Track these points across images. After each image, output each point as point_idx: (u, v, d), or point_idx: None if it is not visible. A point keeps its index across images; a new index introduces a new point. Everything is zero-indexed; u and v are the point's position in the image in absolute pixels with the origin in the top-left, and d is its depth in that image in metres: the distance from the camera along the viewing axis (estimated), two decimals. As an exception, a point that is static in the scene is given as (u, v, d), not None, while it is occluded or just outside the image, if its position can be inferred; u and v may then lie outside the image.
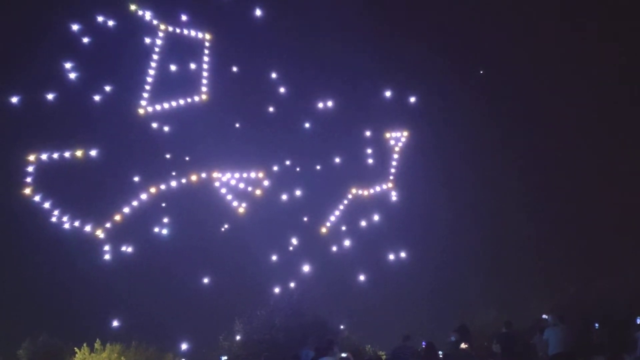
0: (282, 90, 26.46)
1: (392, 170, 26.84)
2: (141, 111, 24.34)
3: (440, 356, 15.87)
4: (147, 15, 25.09)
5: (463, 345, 14.58)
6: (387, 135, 27.04)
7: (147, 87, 24.59)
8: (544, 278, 24.95)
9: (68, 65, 23.61)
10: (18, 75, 23.58)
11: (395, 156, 26.98)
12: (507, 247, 26.45)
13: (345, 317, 23.43)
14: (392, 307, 24.56)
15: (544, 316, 18.22)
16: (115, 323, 22.26)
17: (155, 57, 24.95)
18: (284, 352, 18.67)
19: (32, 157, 22.55)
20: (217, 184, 25.08)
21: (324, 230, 25.60)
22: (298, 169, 26.27)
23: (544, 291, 24.26)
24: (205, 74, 25.87)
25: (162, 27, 25.28)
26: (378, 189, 26.63)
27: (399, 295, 25.11)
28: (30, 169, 22.43)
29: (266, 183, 25.53)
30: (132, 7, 24.73)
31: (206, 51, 25.99)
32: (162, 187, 24.22)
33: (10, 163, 22.89)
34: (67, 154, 23.06)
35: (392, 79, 27.37)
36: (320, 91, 26.75)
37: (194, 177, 24.65)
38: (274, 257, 24.79)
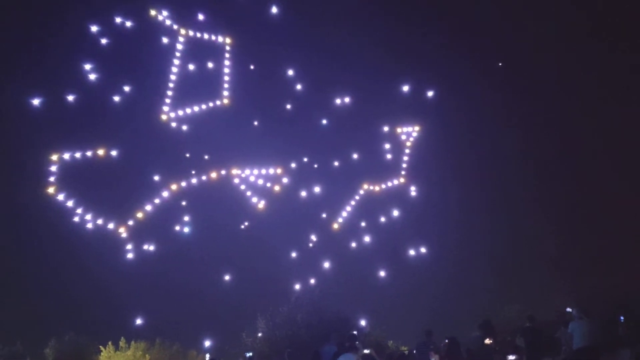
0: (298, 87, 26.50)
1: (404, 165, 26.71)
2: (164, 117, 24.56)
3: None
4: (167, 21, 25.33)
5: (487, 341, 14.50)
6: (399, 130, 26.91)
7: (169, 93, 24.82)
8: (568, 271, 24.68)
9: (91, 68, 23.93)
10: (42, 77, 23.97)
11: (407, 151, 26.85)
12: (529, 240, 26.22)
13: (366, 313, 23.42)
14: (413, 303, 24.49)
15: (568, 309, 18.05)
16: (138, 321, 22.50)
17: (176, 62, 25.15)
18: (306, 348, 18.68)
19: (54, 157, 22.87)
20: (236, 180, 25.22)
21: (335, 226, 25.58)
22: (316, 166, 26.28)
23: (567, 284, 23.99)
24: (226, 78, 26.00)
25: (183, 31, 25.45)
26: (390, 184, 26.54)
27: (420, 290, 25.01)
28: (53, 168, 22.74)
29: (285, 180, 25.58)
30: (152, 13, 24.91)
31: (227, 55, 26.09)
32: (183, 184, 24.43)
33: (34, 162, 23.27)
34: (89, 153, 23.35)
35: (406, 75, 27.30)
36: (335, 88, 26.77)
37: (213, 175, 24.82)
38: (294, 254, 24.87)
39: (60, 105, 23.46)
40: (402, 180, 26.52)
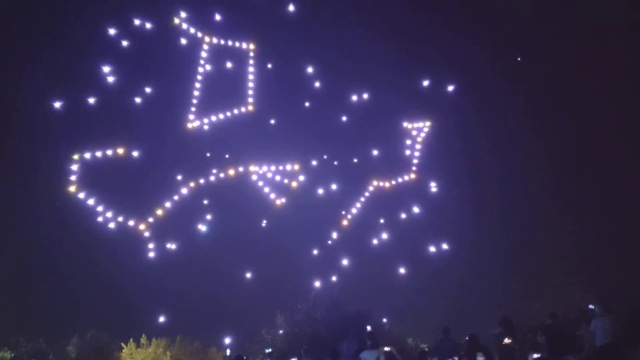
0: (317, 84, 26.48)
1: (415, 161, 26.50)
2: (190, 125, 24.73)
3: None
4: (192, 29, 25.60)
5: (507, 340, 14.36)
6: (409, 125, 26.72)
7: (194, 102, 25.00)
8: (589, 268, 24.38)
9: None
10: (65, 79, 24.48)
11: (418, 146, 26.63)
12: (550, 236, 25.93)
13: (385, 310, 23.37)
14: (432, 300, 24.39)
15: (591, 306, 17.82)
16: (161, 319, 22.69)
17: (200, 69, 25.34)
18: (325, 345, 18.73)
19: (76, 156, 23.13)
20: (254, 177, 25.28)
21: (345, 222, 25.50)
22: (336, 163, 26.23)
23: (589, 281, 23.68)
24: (251, 84, 26.07)
25: (207, 39, 25.61)
26: (400, 180, 26.35)
27: (438, 287, 24.89)
28: (74, 167, 22.99)
29: (301, 178, 25.55)
30: (176, 21, 25.10)
31: (251, 61, 26.17)
32: (201, 181, 24.57)
33: (57, 162, 23.62)
34: (109, 152, 23.59)
35: (421, 71, 27.17)
36: (348, 84, 26.74)
37: (231, 172, 24.92)
38: (312, 251, 24.87)
39: (83, 106, 23.76)
40: (412, 176, 26.30)
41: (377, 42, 26.68)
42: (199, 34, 25.64)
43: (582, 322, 15.83)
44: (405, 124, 26.73)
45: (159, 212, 23.58)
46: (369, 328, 18.91)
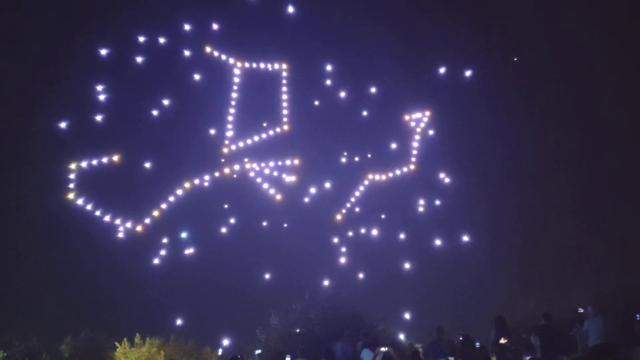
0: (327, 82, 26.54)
1: (414, 152, 26.43)
2: (225, 150, 24.88)
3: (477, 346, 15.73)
4: (223, 55, 25.94)
5: (502, 340, 14.44)
6: (407, 117, 26.64)
7: (229, 126, 25.26)
8: (585, 268, 24.43)
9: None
10: (66, 97, 24.72)
11: (417, 137, 26.55)
12: (546, 236, 25.94)
13: (380, 310, 23.37)
14: (427, 299, 24.38)
15: (580, 309, 17.94)
16: (178, 322, 22.97)
17: (234, 95, 25.67)
18: (320, 345, 18.72)
19: (73, 165, 23.46)
20: (252, 174, 25.29)
21: (338, 217, 25.47)
22: (357, 159, 26.17)
23: (584, 281, 23.73)
24: (284, 104, 26.18)
25: (239, 64, 25.83)
26: (398, 172, 26.28)
27: (435, 286, 24.90)
28: (71, 175, 23.38)
29: (293, 178, 25.51)
30: (207, 49, 25.22)
31: (284, 81, 26.22)
32: (196, 182, 24.60)
33: (58, 169, 23.81)
34: (104, 160, 23.82)
35: (426, 60, 27.19)
36: (352, 79, 26.82)
37: (227, 170, 24.99)
38: (311, 251, 24.90)
39: (87, 120, 24.15)
40: (412, 167, 26.24)
41: (381, 33, 26.57)
42: (231, 60, 25.88)
43: (576, 323, 15.91)
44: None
45: (155, 213, 23.78)
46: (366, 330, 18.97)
